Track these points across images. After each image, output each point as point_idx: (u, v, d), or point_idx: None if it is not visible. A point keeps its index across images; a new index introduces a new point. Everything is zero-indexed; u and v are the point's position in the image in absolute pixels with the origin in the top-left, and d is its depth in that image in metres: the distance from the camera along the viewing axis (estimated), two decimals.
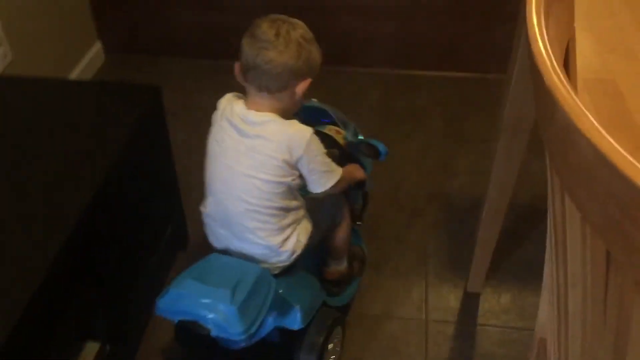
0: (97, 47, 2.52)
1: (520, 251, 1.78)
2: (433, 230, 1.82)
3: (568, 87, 0.47)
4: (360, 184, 1.51)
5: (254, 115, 1.22)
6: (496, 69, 2.19)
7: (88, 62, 2.44)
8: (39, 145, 1.35)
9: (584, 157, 0.45)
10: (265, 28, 1.19)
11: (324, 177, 1.28)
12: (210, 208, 1.33)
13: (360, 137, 1.56)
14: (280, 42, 1.18)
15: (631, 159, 0.40)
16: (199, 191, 1.99)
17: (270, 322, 1.26)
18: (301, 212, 1.33)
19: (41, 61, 2.13)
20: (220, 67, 2.57)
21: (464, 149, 1.91)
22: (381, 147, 1.49)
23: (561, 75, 0.49)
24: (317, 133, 1.36)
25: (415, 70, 2.44)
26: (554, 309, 0.75)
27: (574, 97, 0.46)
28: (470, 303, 1.64)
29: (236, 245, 1.31)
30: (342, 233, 1.48)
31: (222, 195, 1.29)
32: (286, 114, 1.26)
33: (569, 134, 0.46)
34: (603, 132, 0.42)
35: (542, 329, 0.97)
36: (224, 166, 1.27)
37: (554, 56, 0.61)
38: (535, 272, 1.39)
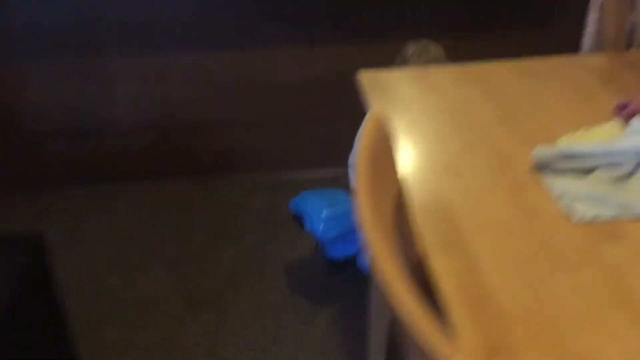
0: None
1: None
2: (332, 326, 1.87)
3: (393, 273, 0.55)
4: None
5: None
6: None
7: None
8: None
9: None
10: (409, 49, 1.81)
11: None
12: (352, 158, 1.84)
13: None
14: (415, 59, 1.77)
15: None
16: (98, 328, 1.93)
17: (357, 246, 1.93)
18: None
19: None
20: (99, 193, 2.54)
21: None
22: None
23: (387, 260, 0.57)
24: None
25: (299, 171, 2.57)
26: None
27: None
28: None
29: None
30: None
31: None
32: None
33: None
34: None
35: None
36: None
37: (384, 216, 0.70)
38: None
